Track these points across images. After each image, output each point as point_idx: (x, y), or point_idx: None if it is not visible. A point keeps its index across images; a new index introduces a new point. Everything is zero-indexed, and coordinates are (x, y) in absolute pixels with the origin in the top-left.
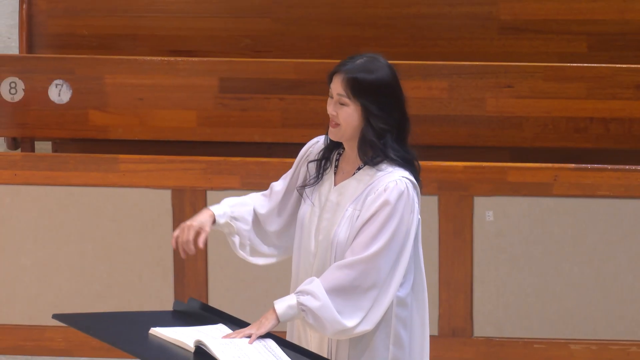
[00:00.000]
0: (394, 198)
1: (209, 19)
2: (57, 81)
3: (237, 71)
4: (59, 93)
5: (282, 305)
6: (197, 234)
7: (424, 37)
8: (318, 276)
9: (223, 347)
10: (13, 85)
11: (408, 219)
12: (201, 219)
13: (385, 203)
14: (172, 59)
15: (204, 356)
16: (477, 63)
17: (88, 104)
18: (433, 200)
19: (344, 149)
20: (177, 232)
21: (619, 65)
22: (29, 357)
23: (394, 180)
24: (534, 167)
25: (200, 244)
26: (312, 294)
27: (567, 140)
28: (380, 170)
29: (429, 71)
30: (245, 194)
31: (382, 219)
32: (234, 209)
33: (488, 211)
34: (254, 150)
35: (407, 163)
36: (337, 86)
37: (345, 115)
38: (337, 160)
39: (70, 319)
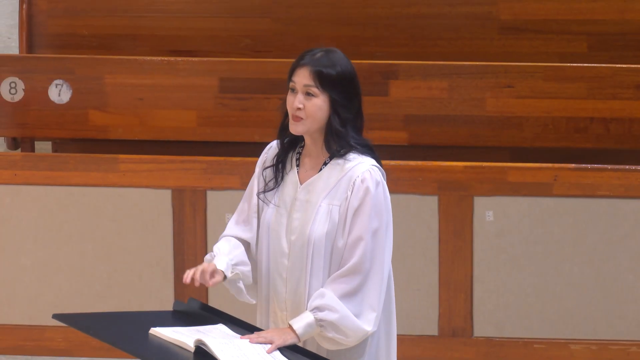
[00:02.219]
0: (373, 187)
1: (209, 19)
2: (57, 81)
3: (237, 71)
4: (59, 93)
5: (300, 324)
6: (212, 274)
7: (424, 37)
8: (293, 277)
9: (223, 347)
10: (13, 85)
11: (388, 205)
12: (212, 266)
13: (367, 193)
14: (172, 59)
15: (204, 356)
16: (477, 63)
17: (88, 104)
18: (433, 200)
19: (302, 147)
20: (189, 273)
21: (619, 65)
22: (29, 357)
23: (367, 170)
24: (534, 167)
25: (211, 283)
26: (328, 308)
27: (567, 140)
28: (348, 161)
29: (429, 71)
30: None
31: (368, 211)
32: (230, 256)
33: (488, 211)
34: (254, 150)
35: (369, 149)
36: (303, 78)
37: (314, 108)
38: (298, 159)
39: (70, 319)
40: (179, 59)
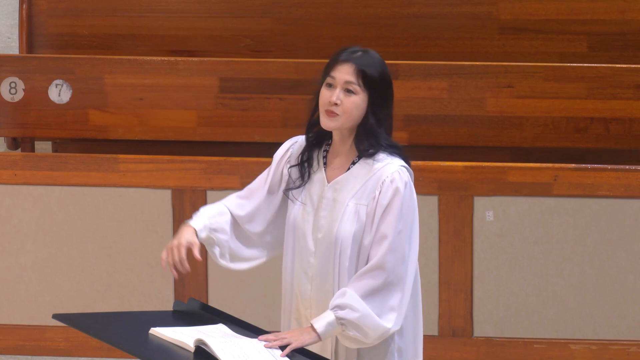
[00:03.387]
0: (402, 187)
1: (209, 19)
2: (57, 81)
3: (237, 71)
4: (59, 93)
5: (321, 323)
6: (189, 250)
7: (424, 37)
8: (319, 275)
9: (223, 346)
10: (13, 85)
11: (414, 206)
12: (186, 236)
13: (396, 193)
14: (172, 59)
15: (204, 356)
16: (477, 63)
17: (88, 104)
18: (433, 200)
19: (328, 144)
20: (164, 255)
21: (619, 65)
22: (29, 357)
23: (396, 171)
24: (534, 167)
25: (197, 256)
26: (349, 307)
27: (567, 140)
28: (377, 162)
29: (429, 71)
30: None
31: (396, 211)
32: (212, 220)
33: (488, 211)
34: (254, 150)
35: (398, 150)
36: (346, 74)
37: (352, 105)
38: (325, 157)
39: (70, 319)
40: (179, 59)
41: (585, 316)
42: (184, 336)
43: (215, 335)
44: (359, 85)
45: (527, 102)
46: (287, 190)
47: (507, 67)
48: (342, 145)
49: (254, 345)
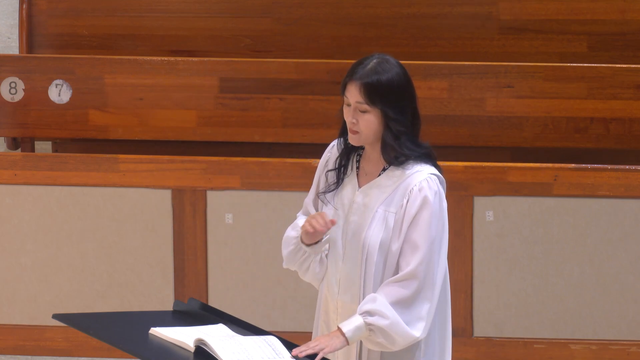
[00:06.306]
0: (432, 196)
1: (209, 19)
2: (57, 81)
3: (237, 71)
4: (59, 93)
5: (350, 327)
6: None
7: (424, 37)
8: (346, 279)
9: (223, 344)
10: (13, 85)
11: (444, 215)
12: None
13: (425, 202)
14: (172, 59)
15: (204, 356)
16: (477, 63)
17: (88, 104)
18: None
19: (363, 149)
20: (309, 223)
21: (619, 65)
22: (29, 357)
23: (424, 179)
24: (534, 167)
25: (330, 225)
26: (379, 314)
27: (567, 140)
28: (407, 169)
29: (429, 71)
30: (245, 194)
31: (426, 220)
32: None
33: (488, 211)
34: (254, 150)
35: (427, 156)
36: (354, 94)
37: (366, 123)
38: (358, 161)
39: (70, 319)
40: (179, 59)
41: (585, 316)
42: (184, 336)
43: (215, 335)
44: (367, 104)
45: (527, 102)
46: (321, 193)
47: (507, 67)
48: (372, 151)
49: (255, 341)
